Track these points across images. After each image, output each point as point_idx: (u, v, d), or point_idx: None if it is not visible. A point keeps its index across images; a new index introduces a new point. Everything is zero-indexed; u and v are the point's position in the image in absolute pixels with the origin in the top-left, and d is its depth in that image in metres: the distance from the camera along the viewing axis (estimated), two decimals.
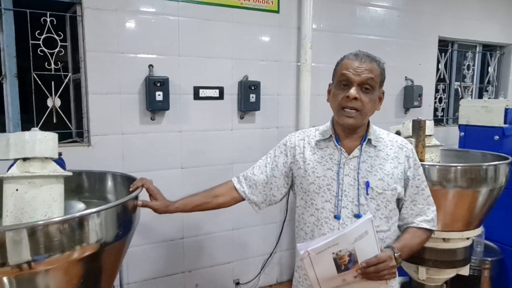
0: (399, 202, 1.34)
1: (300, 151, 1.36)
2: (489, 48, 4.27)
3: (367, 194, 1.25)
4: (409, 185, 1.31)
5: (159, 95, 2.39)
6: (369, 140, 1.30)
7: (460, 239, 2.10)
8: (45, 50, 2.28)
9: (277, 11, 2.85)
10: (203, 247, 2.80)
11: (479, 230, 2.23)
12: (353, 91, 1.20)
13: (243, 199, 1.44)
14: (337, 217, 1.25)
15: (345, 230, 1.11)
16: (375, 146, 1.29)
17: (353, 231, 1.09)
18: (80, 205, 1.38)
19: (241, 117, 2.81)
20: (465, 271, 2.20)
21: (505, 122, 2.86)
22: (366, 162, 1.28)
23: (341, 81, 1.25)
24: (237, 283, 2.97)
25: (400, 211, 1.35)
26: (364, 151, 1.29)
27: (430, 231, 1.34)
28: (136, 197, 1.32)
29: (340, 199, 1.25)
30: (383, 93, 1.31)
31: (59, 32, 2.31)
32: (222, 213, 2.76)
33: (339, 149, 1.29)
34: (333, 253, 1.08)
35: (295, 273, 1.44)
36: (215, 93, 2.69)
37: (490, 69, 4.30)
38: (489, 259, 2.73)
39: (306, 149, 1.35)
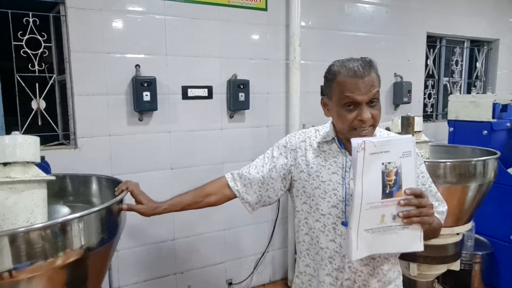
0: None
1: (302, 153, 1.31)
2: (476, 44, 4.31)
3: None
4: None
5: (146, 95, 2.36)
6: None
7: (450, 235, 2.11)
8: (29, 51, 2.23)
9: (265, 9, 2.84)
10: (195, 248, 2.78)
11: (469, 225, 2.25)
12: (367, 115, 1.13)
13: (236, 197, 1.39)
14: (344, 223, 1.21)
15: (391, 137, 1.04)
16: None
17: (400, 142, 1.04)
18: (65, 210, 1.35)
19: (231, 116, 2.79)
20: (456, 266, 2.21)
21: (493, 117, 2.88)
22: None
23: (345, 104, 1.15)
24: (230, 283, 2.95)
25: None
26: None
27: (441, 223, 1.29)
28: (121, 201, 1.29)
29: (348, 204, 1.21)
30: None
31: (43, 33, 2.27)
32: (214, 213, 2.75)
33: (343, 152, 1.25)
34: (383, 164, 1.02)
35: (296, 279, 1.39)
36: (204, 92, 2.67)
37: (478, 64, 4.34)
38: (480, 253, 2.76)
39: (308, 152, 1.29)
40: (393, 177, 1.03)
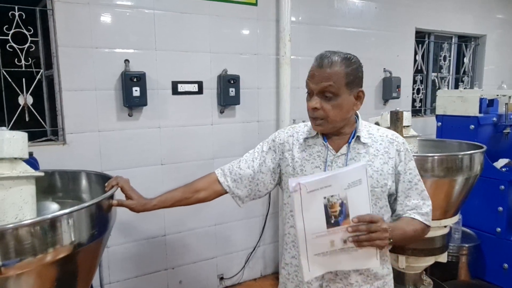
0: (391, 198, 1.31)
1: (289, 147, 1.33)
2: (464, 39, 4.36)
3: None
4: (401, 179, 1.28)
5: (136, 91, 2.34)
6: (358, 137, 1.26)
7: (438, 227, 2.15)
8: (15, 45, 2.19)
9: (255, 4, 2.83)
10: (186, 243, 2.78)
11: (456, 218, 2.29)
12: (312, 102, 1.20)
13: (226, 193, 1.40)
14: None
15: (338, 170, 1.07)
16: (364, 143, 1.26)
17: (347, 174, 1.05)
18: (54, 206, 1.34)
19: (221, 112, 2.79)
20: (443, 258, 2.25)
21: (480, 112, 2.92)
22: (355, 160, 1.24)
23: (306, 90, 1.25)
24: (221, 278, 2.96)
25: (394, 207, 1.31)
26: (353, 148, 1.25)
27: (425, 225, 1.28)
28: (111, 197, 1.29)
29: None
30: (361, 91, 1.24)
31: (29, 27, 2.23)
32: (205, 208, 2.74)
33: (326, 146, 1.27)
34: (325, 198, 1.03)
35: (282, 270, 1.41)
36: (194, 87, 2.66)
37: (466, 60, 4.39)
38: (467, 245, 2.82)
39: (295, 146, 1.32)
40: (338, 208, 1.05)
